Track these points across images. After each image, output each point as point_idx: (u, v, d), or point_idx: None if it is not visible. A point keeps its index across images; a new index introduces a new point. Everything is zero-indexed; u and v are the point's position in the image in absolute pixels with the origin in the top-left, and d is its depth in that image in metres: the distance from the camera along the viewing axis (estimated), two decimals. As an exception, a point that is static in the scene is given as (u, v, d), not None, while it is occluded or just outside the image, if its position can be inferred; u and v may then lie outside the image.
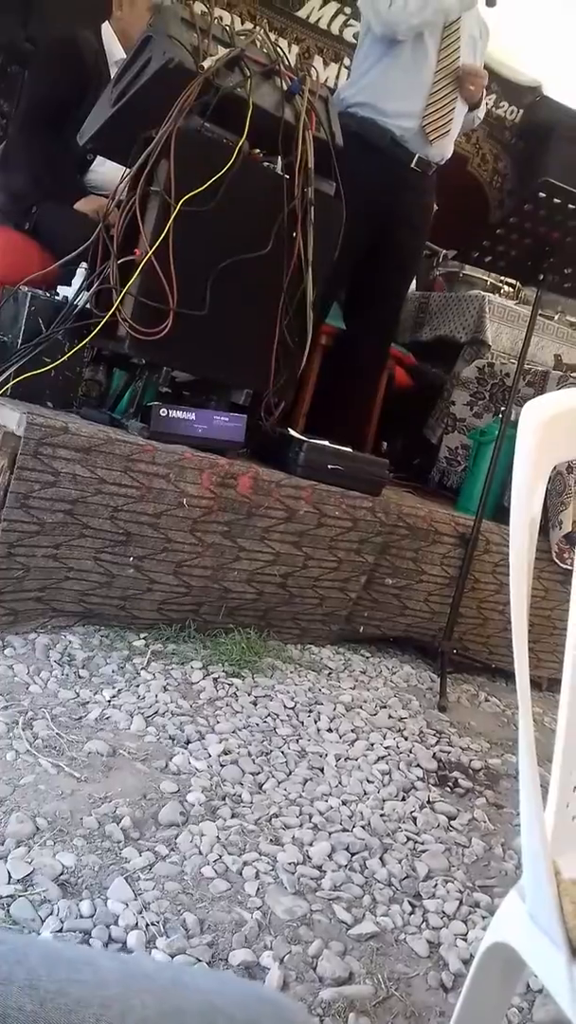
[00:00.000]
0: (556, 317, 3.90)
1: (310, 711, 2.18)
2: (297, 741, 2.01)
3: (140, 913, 1.30)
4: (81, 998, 0.47)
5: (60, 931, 1.22)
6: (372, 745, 2.10)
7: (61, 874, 1.33)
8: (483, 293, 3.71)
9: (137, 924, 1.27)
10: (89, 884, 1.33)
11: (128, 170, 2.25)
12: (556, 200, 2.54)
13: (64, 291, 2.36)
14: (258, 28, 3.53)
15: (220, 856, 1.50)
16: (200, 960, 1.25)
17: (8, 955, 0.48)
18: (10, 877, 1.29)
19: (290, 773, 1.86)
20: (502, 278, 3.88)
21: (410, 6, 2.82)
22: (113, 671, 2.06)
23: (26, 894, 1.27)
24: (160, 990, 0.51)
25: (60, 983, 0.48)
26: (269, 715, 2.09)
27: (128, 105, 2.25)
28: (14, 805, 1.46)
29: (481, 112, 3.26)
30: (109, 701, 1.92)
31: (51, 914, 1.25)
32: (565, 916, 0.85)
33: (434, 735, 2.29)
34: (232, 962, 1.27)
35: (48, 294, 2.32)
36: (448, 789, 2.03)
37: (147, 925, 1.28)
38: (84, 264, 2.32)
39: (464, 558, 2.76)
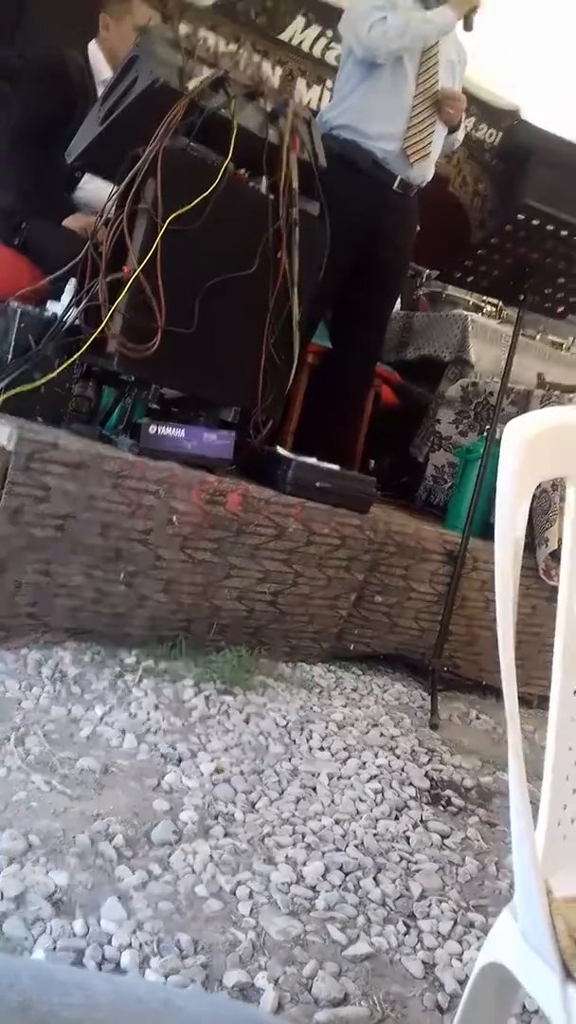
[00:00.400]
0: (538, 336, 3.93)
1: (302, 729, 2.17)
2: (289, 759, 2.00)
3: (133, 933, 1.28)
4: (72, 1021, 0.47)
5: (53, 949, 1.20)
6: (364, 764, 2.09)
7: (54, 892, 1.31)
8: (466, 313, 3.74)
9: (131, 944, 1.26)
10: (82, 903, 1.31)
11: (116, 188, 2.26)
12: (535, 222, 2.58)
13: (53, 307, 2.36)
14: (242, 50, 3.57)
15: (213, 875, 1.48)
16: (194, 981, 1.23)
17: (0, 977, 0.47)
18: (3, 895, 1.27)
19: (282, 792, 1.85)
20: (484, 298, 3.91)
21: (389, 31, 2.86)
22: (105, 688, 2.05)
23: (18, 912, 1.25)
24: (151, 1014, 0.50)
25: (52, 1006, 0.47)
26: (261, 733, 2.08)
27: (115, 124, 2.27)
28: (6, 822, 1.44)
29: (460, 135, 3.30)
30: (101, 718, 1.90)
31: (44, 932, 1.23)
32: (558, 936, 0.84)
33: (426, 753, 2.28)
34: (226, 983, 1.25)
35: (37, 310, 2.33)
36: (441, 808, 2.02)
37: (140, 945, 1.26)
38: (73, 280, 2.33)
39: (452, 576, 2.77)
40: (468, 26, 3.01)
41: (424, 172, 3.13)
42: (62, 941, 1.22)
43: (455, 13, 2.93)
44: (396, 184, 3.07)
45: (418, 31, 2.90)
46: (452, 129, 3.17)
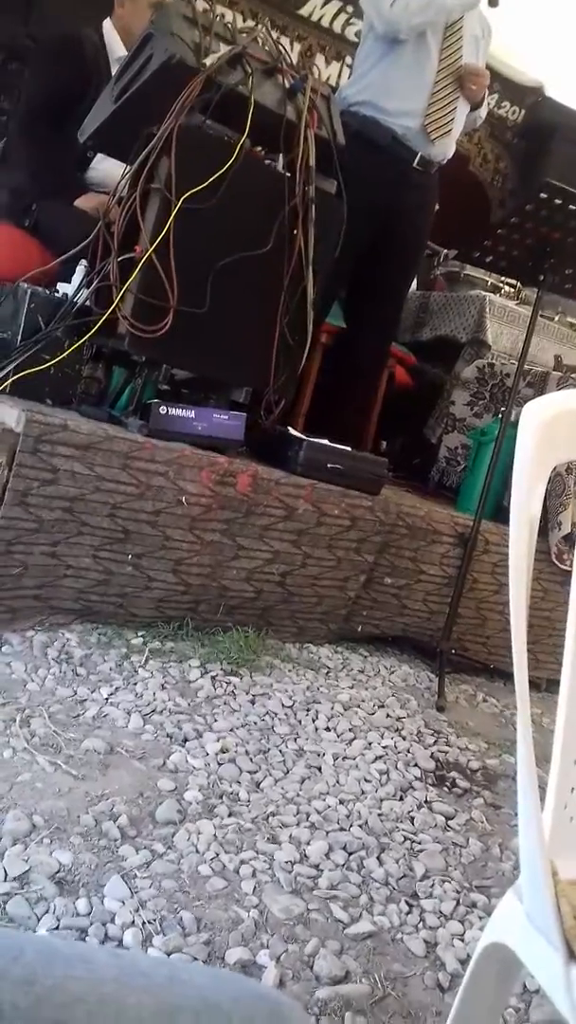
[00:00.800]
0: (556, 318, 3.90)
1: (308, 710, 2.18)
2: (295, 740, 2.00)
3: (137, 911, 1.29)
4: (77, 995, 0.47)
5: (56, 928, 1.22)
6: (370, 744, 2.10)
7: (58, 872, 1.33)
8: (484, 293, 3.71)
9: (134, 922, 1.27)
10: (86, 882, 1.33)
11: (129, 167, 2.24)
12: (557, 201, 2.54)
13: (64, 288, 2.35)
14: (260, 26, 3.53)
15: (217, 854, 1.49)
16: (196, 958, 1.25)
17: (4, 951, 0.48)
18: (7, 875, 1.29)
19: (288, 772, 1.86)
20: (503, 278, 3.87)
21: (412, 6, 2.81)
22: (111, 669, 2.06)
23: (23, 891, 1.26)
24: (156, 987, 0.51)
25: (56, 979, 0.47)
26: (267, 713, 2.09)
27: (129, 102, 2.25)
28: (11, 803, 1.46)
29: (483, 112, 3.26)
30: (107, 699, 1.92)
31: (47, 912, 1.24)
32: (562, 917, 0.85)
33: (432, 735, 2.28)
34: (228, 960, 1.27)
35: (48, 291, 2.32)
36: (446, 789, 2.03)
37: (144, 923, 1.28)
38: (84, 261, 2.32)
39: (463, 558, 2.76)
40: (494, 2, 2.96)
41: (445, 149, 3.09)
42: (65, 920, 1.24)
43: None
44: (416, 161, 3.03)
45: (441, 5, 2.85)
46: (475, 106, 3.13)
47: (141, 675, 2.07)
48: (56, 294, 2.32)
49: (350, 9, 4.39)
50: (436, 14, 2.86)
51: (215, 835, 1.54)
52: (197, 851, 1.49)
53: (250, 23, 4.12)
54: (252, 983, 0.68)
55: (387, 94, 2.97)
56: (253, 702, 2.12)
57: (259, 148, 2.36)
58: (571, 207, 2.55)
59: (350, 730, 2.14)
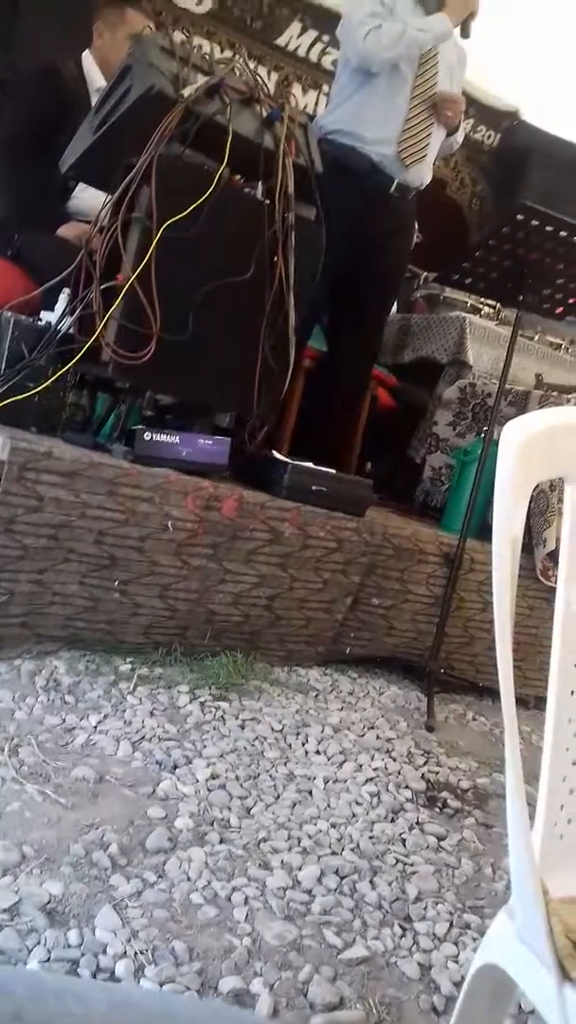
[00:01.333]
0: (536, 337, 3.94)
1: (298, 733, 2.17)
2: (285, 764, 2.00)
3: (128, 941, 1.28)
4: (67, 1031, 0.47)
5: (48, 960, 1.21)
6: (360, 767, 2.10)
7: (48, 903, 1.31)
8: (464, 314, 3.74)
9: (125, 952, 1.26)
10: (76, 912, 1.31)
11: (109, 197, 2.26)
12: (534, 223, 2.58)
13: (47, 316, 2.37)
14: (237, 56, 3.58)
15: (209, 882, 1.48)
16: (189, 988, 1.24)
17: (-6, 987, 0.48)
18: (-4, 907, 1.27)
19: (278, 797, 1.85)
20: (482, 299, 3.91)
21: (384, 40, 2.87)
22: (99, 696, 2.05)
23: (12, 924, 1.25)
24: (150, 1021, 0.51)
25: (48, 1016, 0.47)
26: (257, 738, 2.08)
27: (109, 132, 2.28)
28: (0, 833, 1.44)
29: (459, 137, 3.30)
30: (95, 727, 1.91)
31: (38, 944, 1.23)
32: (554, 936, 0.85)
33: (422, 755, 2.28)
34: (222, 989, 1.25)
35: (31, 319, 2.33)
36: (437, 810, 2.02)
37: (135, 953, 1.27)
38: (66, 289, 2.33)
39: (449, 577, 2.77)
40: (466, 33, 3.02)
41: (421, 175, 3.14)
42: (56, 952, 1.22)
43: (452, 20, 2.94)
44: (393, 188, 3.08)
45: (413, 39, 2.90)
46: (451, 131, 3.18)
47: (130, 702, 2.06)
48: (39, 322, 2.33)
49: (326, 39, 4.45)
50: (408, 48, 2.92)
51: (206, 862, 1.53)
52: (188, 879, 1.48)
53: (227, 53, 4.17)
54: (246, 1015, 0.68)
55: (363, 122, 3.01)
56: (243, 727, 2.12)
57: (238, 176, 2.39)
58: (547, 229, 2.59)
59: (340, 753, 2.14)
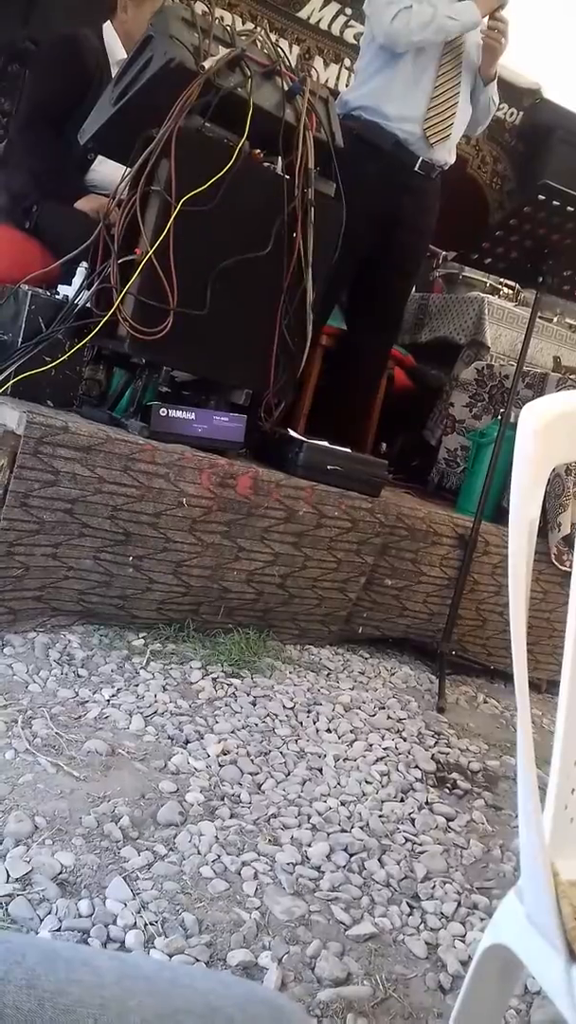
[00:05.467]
0: (555, 319, 3.90)
1: (309, 711, 2.18)
2: (296, 741, 2.01)
3: (138, 913, 1.30)
4: (79, 998, 0.47)
5: (58, 930, 1.22)
6: (371, 746, 2.10)
7: (60, 873, 1.33)
8: (482, 295, 3.71)
9: (135, 924, 1.27)
10: (88, 883, 1.33)
11: (129, 169, 2.25)
12: (555, 203, 2.54)
13: (64, 290, 2.36)
14: (259, 28, 3.54)
15: (219, 856, 1.49)
16: (198, 960, 1.25)
17: (6, 955, 0.48)
18: (8, 876, 1.29)
19: (289, 773, 1.86)
20: (502, 280, 3.88)
21: (412, 23, 2.84)
22: (112, 670, 2.06)
23: (24, 893, 1.27)
24: (159, 991, 0.51)
25: (58, 983, 0.48)
26: (268, 715, 2.09)
27: (129, 104, 2.25)
28: (13, 804, 1.46)
29: (495, 94, 3.20)
30: (108, 700, 1.92)
31: (49, 913, 1.24)
32: (563, 918, 0.85)
33: (433, 736, 2.29)
34: (230, 962, 1.27)
35: (48, 293, 2.32)
36: (447, 790, 2.03)
37: (145, 925, 1.28)
38: (84, 263, 2.32)
39: (463, 559, 2.76)
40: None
41: (445, 155, 3.11)
42: (67, 921, 1.24)
43: (481, 10, 2.91)
44: (418, 165, 3.05)
45: (441, 26, 2.87)
46: (487, 80, 3.11)
47: (142, 677, 2.07)
48: (57, 296, 2.33)
49: (348, 11, 4.40)
50: (435, 34, 2.88)
51: (216, 837, 1.54)
52: (199, 853, 1.49)
53: (249, 26, 4.13)
54: (255, 986, 0.68)
55: (388, 100, 2.98)
56: (254, 704, 2.13)
57: (258, 151, 2.36)
58: (569, 209, 2.55)
59: (351, 732, 2.14)
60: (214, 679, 2.17)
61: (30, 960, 0.48)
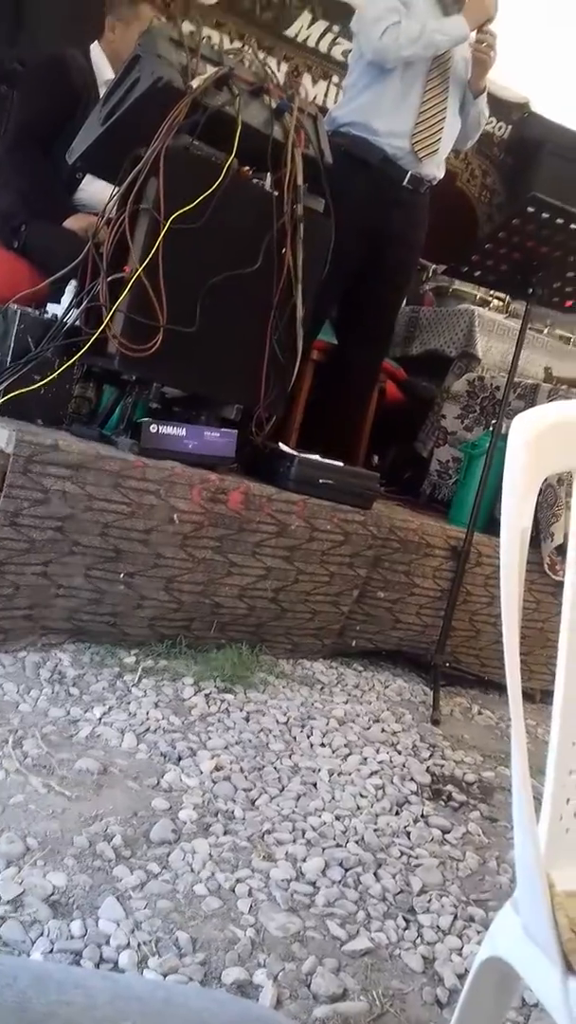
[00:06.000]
0: (545, 331, 3.92)
1: (303, 726, 2.18)
2: (290, 756, 2.00)
3: (132, 932, 1.29)
4: (71, 1020, 0.47)
5: (51, 952, 1.21)
6: (365, 759, 2.10)
7: (51, 894, 1.32)
8: (473, 307, 3.73)
9: (129, 944, 1.26)
10: (80, 904, 1.32)
11: (117, 188, 2.26)
12: (544, 215, 2.56)
13: (53, 308, 2.36)
14: (246, 47, 3.56)
15: (212, 873, 1.49)
16: (192, 979, 1.24)
17: (-3, 977, 0.48)
18: (0, 898, 1.28)
19: (283, 789, 1.85)
20: (491, 292, 3.90)
21: (401, 39, 2.86)
22: (104, 688, 2.05)
23: (16, 915, 1.25)
24: (152, 1011, 0.50)
25: (50, 1005, 0.47)
26: (262, 730, 2.08)
27: (117, 124, 2.27)
28: (4, 825, 1.45)
29: (485, 107, 3.22)
30: (100, 719, 1.91)
31: (41, 935, 1.23)
32: (559, 930, 0.84)
33: (427, 748, 2.28)
34: (225, 980, 1.26)
35: (37, 312, 2.33)
36: (442, 803, 2.02)
37: (139, 944, 1.27)
38: (73, 281, 2.33)
39: (456, 571, 2.77)
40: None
41: (434, 169, 3.13)
42: (60, 943, 1.23)
43: (469, 24, 2.93)
44: (406, 180, 3.07)
45: (430, 40, 2.90)
46: (477, 92, 3.13)
47: (135, 694, 2.06)
48: (46, 315, 2.33)
49: (336, 29, 4.43)
50: (424, 49, 2.91)
51: (210, 854, 1.54)
52: (192, 870, 1.48)
53: (237, 44, 4.16)
54: (249, 1004, 0.68)
55: (377, 115, 3.01)
56: (247, 719, 2.12)
57: (247, 168, 2.38)
58: (558, 221, 2.57)
59: (345, 745, 2.14)
60: (207, 695, 2.16)
61: (21, 982, 0.48)
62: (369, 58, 2.96)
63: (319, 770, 1.97)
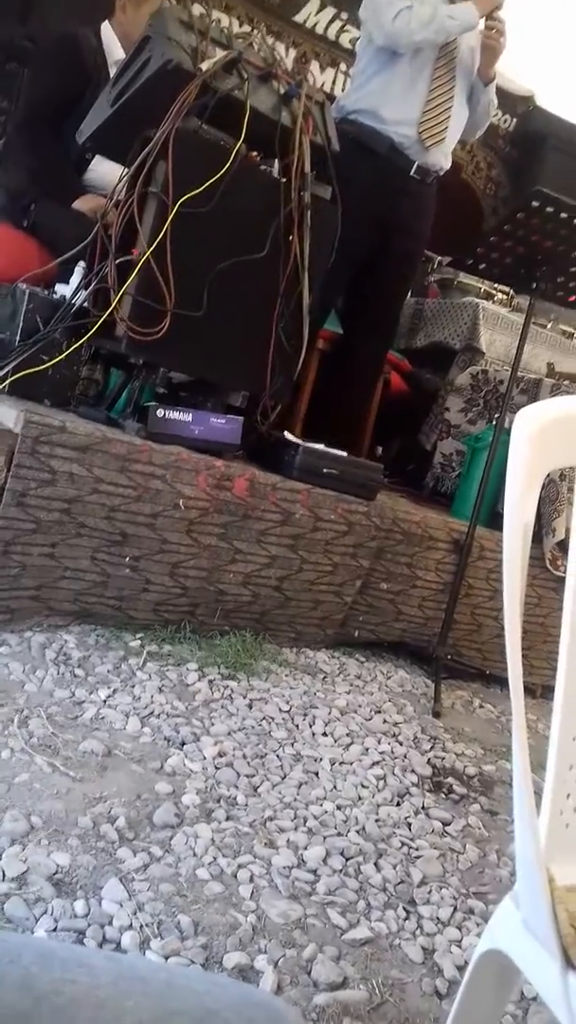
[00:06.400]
0: (549, 325, 3.91)
1: (305, 715, 2.18)
2: (292, 744, 2.00)
3: (134, 914, 1.29)
4: (75, 999, 0.47)
5: (54, 930, 1.21)
6: (367, 750, 2.10)
7: (55, 873, 1.32)
8: (477, 300, 3.72)
9: (131, 925, 1.27)
10: (83, 884, 1.32)
11: (126, 170, 2.25)
12: (548, 209, 2.56)
13: (62, 289, 2.35)
14: (256, 31, 3.54)
15: (215, 858, 1.49)
16: (194, 962, 1.24)
17: (2, 954, 0.48)
18: (4, 875, 1.28)
19: (285, 776, 1.85)
20: (496, 285, 3.88)
21: (413, 23, 2.84)
22: (109, 671, 2.06)
23: (20, 893, 1.26)
24: (154, 992, 0.51)
25: (54, 983, 0.47)
26: (264, 718, 2.08)
27: (127, 105, 2.25)
28: (9, 803, 1.45)
29: (494, 95, 3.20)
30: (105, 701, 1.91)
31: (45, 913, 1.24)
32: (559, 923, 0.84)
33: (428, 741, 2.28)
34: (226, 965, 1.26)
35: (46, 292, 2.32)
36: (443, 795, 2.03)
37: (141, 926, 1.27)
38: (82, 263, 2.32)
39: (458, 564, 2.76)
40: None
41: (441, 158, 3.11)
42: (63, 922, 1.23)
43: (479, 10, 2.92)
44: (413, 170, 3.05)
45: (442, 25, 2.88)
46: (487, 80, 3.11)
47: (139, 677, 2.07)
48: (54, 295, 2.32)
49: (344, 16, 4.41)
50: (436, 34, 2.89)
51: (213, 839, 1.54)
52: (195, 855, 1.48)
53: (246, 29, 4.14)
54: (250, 989, 0.68)
55: (384, 103, 2.99)
56: (250, 706, 2.12)
57: (255, 153, 2.37)
58: (562, 215, 2.56)
59: (347, 735, 2.14)
60: (210, 681, 2.16)
61: (26, 959, 0.48)
62: (380, 43, 2.94)
63: (321, 759, 1.97)
